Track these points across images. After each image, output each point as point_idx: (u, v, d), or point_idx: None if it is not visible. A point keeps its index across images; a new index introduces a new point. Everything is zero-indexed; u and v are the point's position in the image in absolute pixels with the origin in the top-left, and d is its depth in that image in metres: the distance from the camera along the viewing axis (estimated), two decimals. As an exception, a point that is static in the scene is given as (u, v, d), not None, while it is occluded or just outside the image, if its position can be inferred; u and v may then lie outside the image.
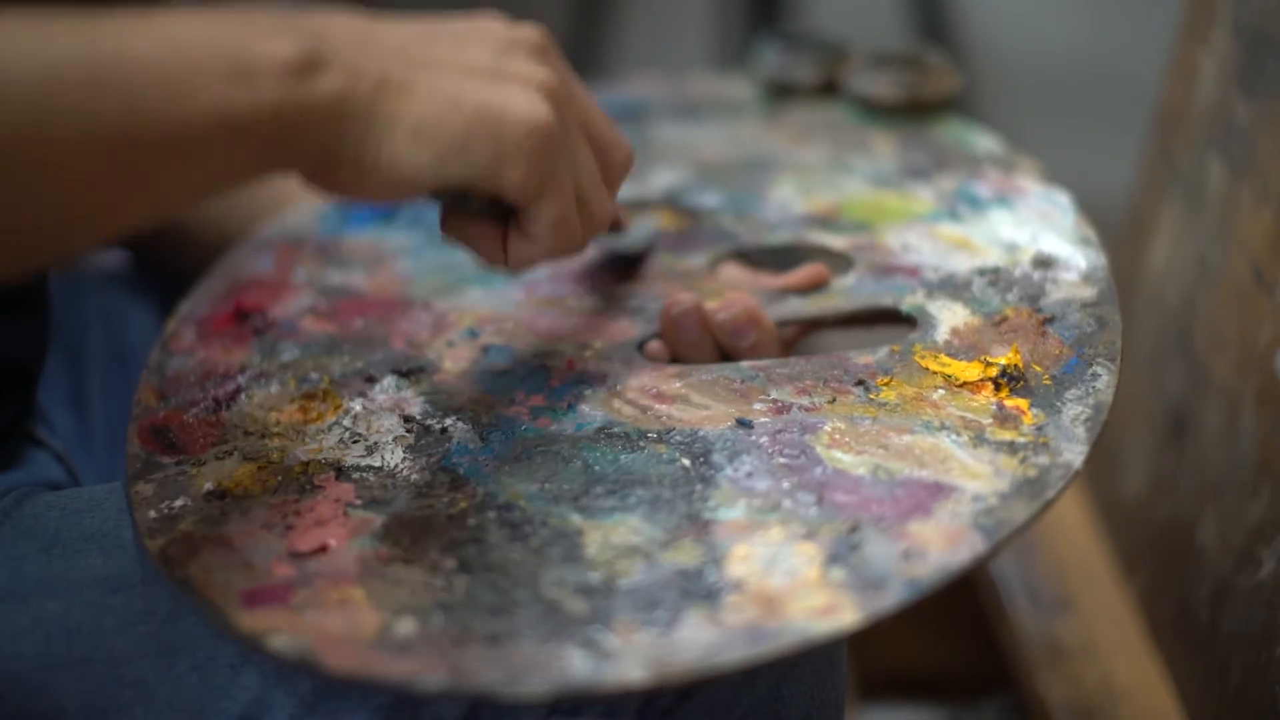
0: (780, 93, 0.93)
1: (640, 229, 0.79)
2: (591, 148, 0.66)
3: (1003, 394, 0.66)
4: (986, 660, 1.09)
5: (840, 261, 0.77)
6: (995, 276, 0.73)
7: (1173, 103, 1.00)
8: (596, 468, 0.64)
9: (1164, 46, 1.08)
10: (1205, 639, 0.85)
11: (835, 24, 1.96)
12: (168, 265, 0.92)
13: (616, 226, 0.76)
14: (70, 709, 0.63)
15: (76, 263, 0.90)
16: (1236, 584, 0.82)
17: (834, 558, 0.58)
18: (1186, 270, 0.94)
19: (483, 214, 0.65)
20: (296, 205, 0.86)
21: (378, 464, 0.65)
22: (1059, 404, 0.65)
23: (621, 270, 0.78)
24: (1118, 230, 0.78)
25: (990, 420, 0.64)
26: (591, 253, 0.78)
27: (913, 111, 0.88)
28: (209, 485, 0.65)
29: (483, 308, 0.75)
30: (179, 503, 0.64)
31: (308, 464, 0.66)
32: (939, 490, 0.61)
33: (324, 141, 0.59)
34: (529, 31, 0.65)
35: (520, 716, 0.62)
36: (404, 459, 0.65)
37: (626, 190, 0.85)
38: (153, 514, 0.64)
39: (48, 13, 0.55)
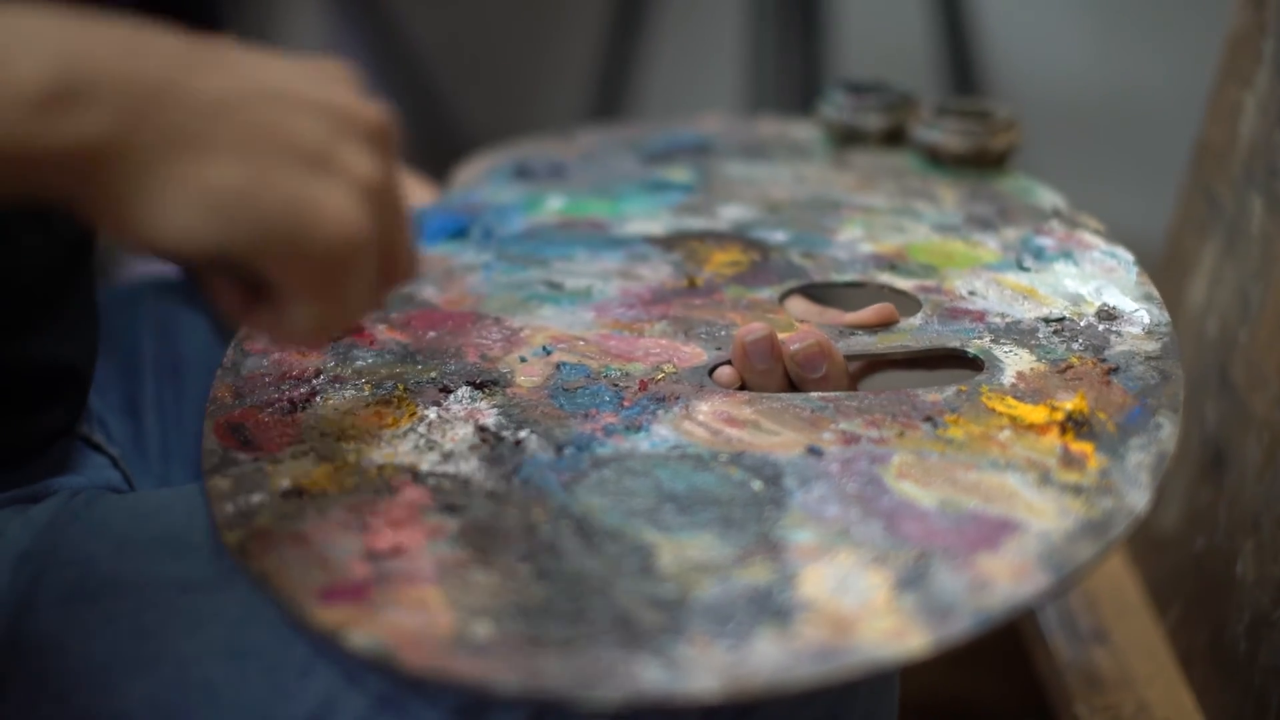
0: (847, 139, 0.94)
1: None
2: (381, 252, 0.60)
3: (1068, 438, 0.67)
4: (1022, 690, 1.09)
5: (907, 302, 0.78)
6: (1060, 326, 0.74)
7: (1214, 141, 1.02)
8: (669, 486, 0.65)
9: (1191, 83, 1.09)
10: (1242, 671, 0.86)
11: (869, 67, 1.98)
12: None
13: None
14: (137, 710, 0.63)
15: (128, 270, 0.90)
16: (1275, 617, 0.83)
17: (903, 584, 0.59)
18: (1227, 306, 0.95)
19: (236, 271, 0.59)
20: None
21: (453, 471, 0.66)
22: (1123, 450, 0.66)
23: None
24: (1149, 265, 0.80)
25: (1056, 462, 0.65)
26: None
27: (978, 163, 0.90)
28: (285, 483, 0.66)
29: (555, 326, 0.76)
30: (255, 498, 0.65)
31: (383, 467, 0.67)
32: (1005, 526, 0.62)
33: (74, 185, 0.53)
34: (373, 112, 0.59)
35: None
36: (479, 468, 0.67)
37: (698, 223, 0.86)
38: (229, 508, 0.65)
39: None
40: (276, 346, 0.63)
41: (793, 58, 1.74)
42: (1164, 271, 1.07)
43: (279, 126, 0.55)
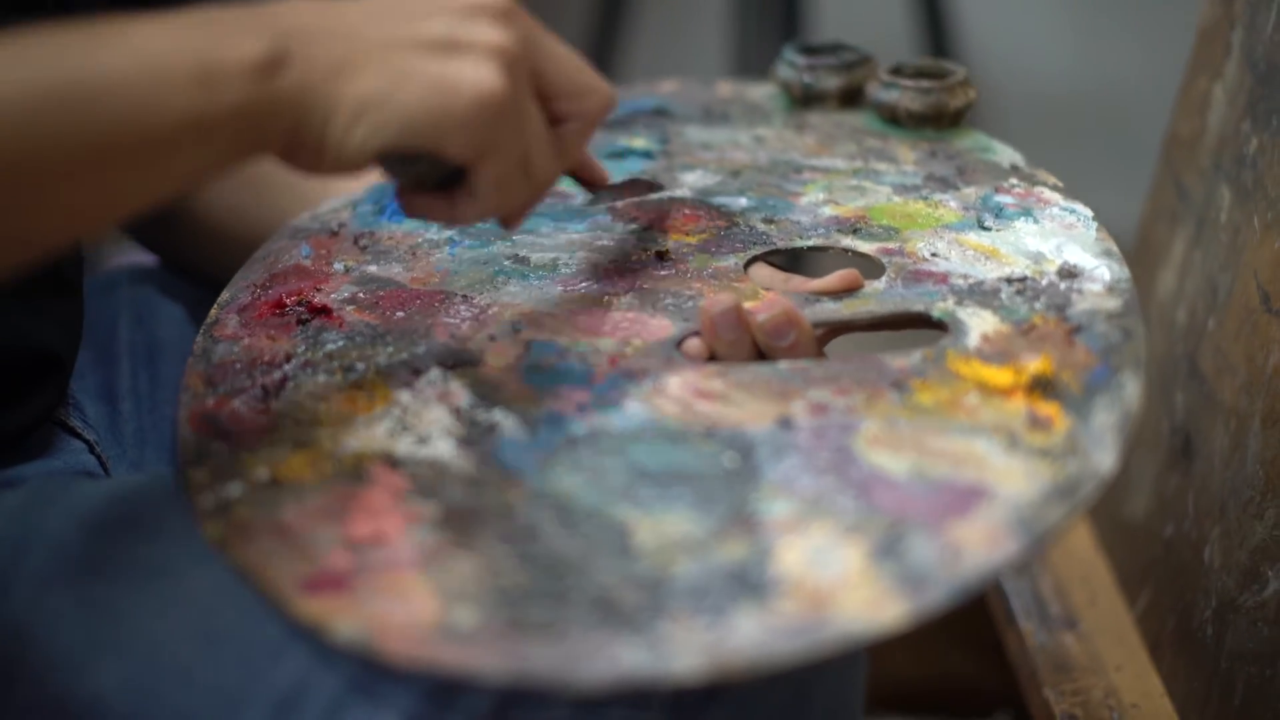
0: (804, 101, 0.95)
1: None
2: (564, 95, 0.70)
3: (1034, 400, 0.67)
4: (992, 675, 1.11)
5: (870, 266, 0.79)
6: (1022, 286, 0.75)
7: (1184, 131, 1.03)
8: (643, 463, 0.66)
9: (1163, 73, 1.10)
10: (1209, 656, 0.87)
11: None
12: (195, 267, 0.94)
13: (596, 182, 0.80)
14: (111, 691, 0.64)
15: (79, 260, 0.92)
16: (1241, 602, 0.85)
17: (878, 556, 0.60)
18: (1196, 295, 0.97)
19: (431, 179, 0.69)
20: (328, 199, 0.88)
21: (429, 455, 0.67)
22: (1088, 411, 0.66)
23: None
24: (1123, 256, 0.81)
25: (1023, 425, 0.66)
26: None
27: (936, 122, 0.90)
28: (262, 473, 0.66)
29: (523, 303, 0.77)
30: (234, 489, 0.66)
31: (360, 454, 0.67)
32: (976, 492, 0.63)
33: (287, 129, 0.63)
34: None
35: (550, 707, 0.63)
36: (454, 450, 0.67)
37: (659, 194, 0.87)
38: (208, 500, 0.65)
39: (27, 36, 0.58)
40: (486, 217, 0.71)
41: (780, 29, 1.75)
42: (1136, 261, 1.08)
43: (406, 32, 0.65)
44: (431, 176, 0.69)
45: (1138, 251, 1.09)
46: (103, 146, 0.58)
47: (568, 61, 0.70)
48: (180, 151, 0.60)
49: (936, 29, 1.97)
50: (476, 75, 0.65)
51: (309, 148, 0.64)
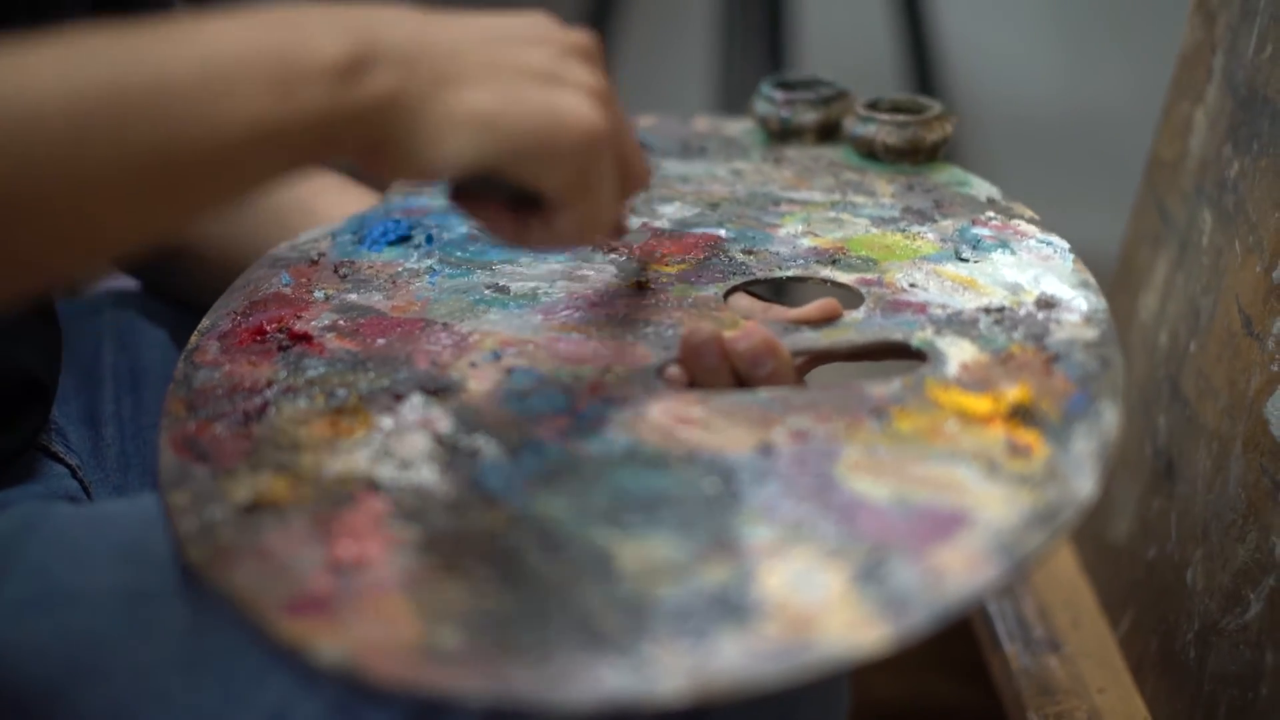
0: (781, 136, 0.95)
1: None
2: (616, 158, 0.68)
3: (1013, 427, 0.68)
4: (976, 698, 1.11)
5: (849, 296, 0.79)
6: (1000, 316, 0.76)
7: (1166, 155, 1.04)
8: (625, 488, 0.66)
9: (1147, 97, 1.10)
10: (1192, 679, 0.88)
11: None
12: (176, 292, 0.93)
13: (619, 231, 0.80)
14: (94, 718, 0.64)
15: (91, 279, 0.91)
16: (1223, 625, 0.85)
17: (860, 580, 0.60)
18: (1178, 318, 0.97)
19: (495, 194, 0.68)
20: (308, 229, 0.88)
21: (411, 480, 0.67)
22: (1067, 439, 0.67)
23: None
24: (1104, 278, 0.82)
25: (1002, 452, 0.67)
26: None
27: (912, 156, 0.91)
28: (244, 496, 0.66)
29: (503, 330, 0.77)
30: (215, 513, 0.65)
31: (342, 478, 0.67)
32: (956, 518, 0.63)
33: (370, 135, 0.61)
34: (584, 38, 0.68)
35: None
36: (437, 475, 0.67)
37: (635, 222, 0.87)
38: (189, 524, 0.65)
39: (79, 37, 0.55)
40: (552, 249, 0.72)
41: (764, 64, 1.75)
42: (1118, 284, 1.08)
43: (510, 57, 0.64)
44: (498, 193, 0.68)
45: (1120, 274, 1.09)
46: (160, 158, 0.55)
47: (630, 128, 0.70)
48: (245, 161, 0.57)
49: (921, 55, 1.97)
50: (583, 110, 0.65)
51: (396, 155, 0.62)
